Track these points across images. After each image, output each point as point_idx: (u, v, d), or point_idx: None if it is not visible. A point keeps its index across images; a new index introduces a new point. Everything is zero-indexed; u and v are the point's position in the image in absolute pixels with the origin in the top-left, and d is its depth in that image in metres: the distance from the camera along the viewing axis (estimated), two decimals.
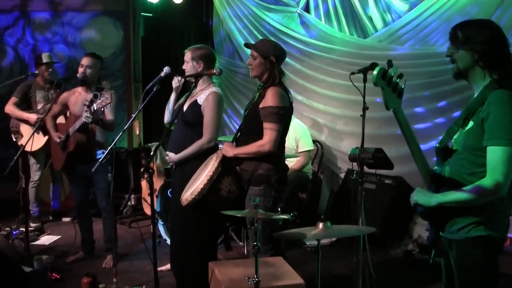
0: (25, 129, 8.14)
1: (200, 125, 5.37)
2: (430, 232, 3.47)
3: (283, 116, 4.79)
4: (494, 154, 3.07)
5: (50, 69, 8.33)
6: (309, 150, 7.90)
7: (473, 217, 3.20)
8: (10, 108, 8.14)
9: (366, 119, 4.96)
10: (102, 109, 6.14)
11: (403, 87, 3.22)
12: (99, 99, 6.21)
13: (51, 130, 6.79)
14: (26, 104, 8.24)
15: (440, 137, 6.51)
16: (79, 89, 6.68)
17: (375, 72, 3.10)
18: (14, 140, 8.38)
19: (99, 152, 6.55)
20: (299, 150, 7.76)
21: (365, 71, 4.95)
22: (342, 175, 8.27)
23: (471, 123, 3.21)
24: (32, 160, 8.32)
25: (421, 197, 3.31)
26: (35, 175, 8.41)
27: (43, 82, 8.33)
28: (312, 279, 4.29)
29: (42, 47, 10.28)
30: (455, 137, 3.34)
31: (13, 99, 8.18)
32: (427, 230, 3.55)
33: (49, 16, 10.35)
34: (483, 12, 6.68)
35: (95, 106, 6.07)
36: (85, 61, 6.58)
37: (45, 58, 8.32)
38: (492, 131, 3.08)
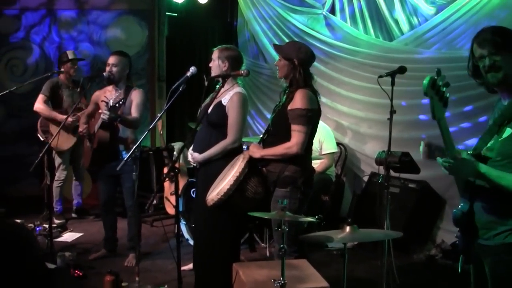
0: (55, 129, 8.04)
1: (224, 126, 5.36)
2: (461, 239, 3.43)
3: (311, 118, 4.80)
4: None
5: (76, 66, 8.37)
6: (333, 153, 7.89)
7: (510, 223, 3.16)
8: (41, 106, 8.08)
9: None
10: (117, 105, 6.11)
11: (448, 95, 3.11)
12: (115, 95, 6.25)
13: (81, 125, 6.80)
14: (54, 102, 8.24)
15: (466, 142, 6.47)
16: (109, 88, 6.69)
17: (425, 82, 3.00)
18: (42, 139, 8.27)
19: (124, 152, 6.53)
20: (323, 152, 7.75)
21: (393, 74, 4.94)
22: (365, 178, 8.24)
23: (509, 130, 3.16)
24: (58, 160, 8.36)
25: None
26: (61, 174, 8.47)
27: (67, 80, 8.36)
28: (335, 282, 4.28)
29: (67, 45, 10.33)
30: (489, 144, 3.28)
31: (42, 97, 8.13)
32: (457, 237, 3.50)
33: (74, 15, 10.40)
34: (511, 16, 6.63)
35: (111, 102, 6.09)
36: (110, 59, 6.60)
37: (70, 55, 8.37)
38: None
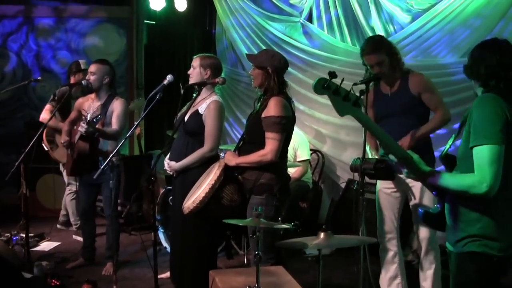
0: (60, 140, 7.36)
1: (201, 135, 5.41)
2: None
3: (285, 125, 4.82)
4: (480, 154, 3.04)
5: (87, 76, 7.66)
6: (308, 159, 7.92)
7: (470, 230, 3.16)
8: (46, 116, 7.33)
9: None
10: (94, 119, 6.00)
11: (356, 96, 3.13)
12: (95, 106, 6.24)
13: (63, 134, 6.69)
14: (64, 112, 7.51)
15: (441, 148, 6.55)
16: (92, 96, 6.66)
17: (313, 83, 3.06)
18: (47, 150, 7.94)
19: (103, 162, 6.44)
20: (298, 159, 7.77)
21: (367, 82, 5.00)
22: (343, 185, 8.27)
23: (465, 133, 3.20)
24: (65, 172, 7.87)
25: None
26: (72, 187, 8.00)
27: (77, 90, 7.59)
28: None
29: (45, 53, 10.33)
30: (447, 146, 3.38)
31: (49, 107, 7.50)
32: None
33: (53, 23, 10.38)
34: (486, 25, 6.71)
35: (88, 116, 6.05)
36: (90, 67, 6.58)
37: (83, 65, 7.94)
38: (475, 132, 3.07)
